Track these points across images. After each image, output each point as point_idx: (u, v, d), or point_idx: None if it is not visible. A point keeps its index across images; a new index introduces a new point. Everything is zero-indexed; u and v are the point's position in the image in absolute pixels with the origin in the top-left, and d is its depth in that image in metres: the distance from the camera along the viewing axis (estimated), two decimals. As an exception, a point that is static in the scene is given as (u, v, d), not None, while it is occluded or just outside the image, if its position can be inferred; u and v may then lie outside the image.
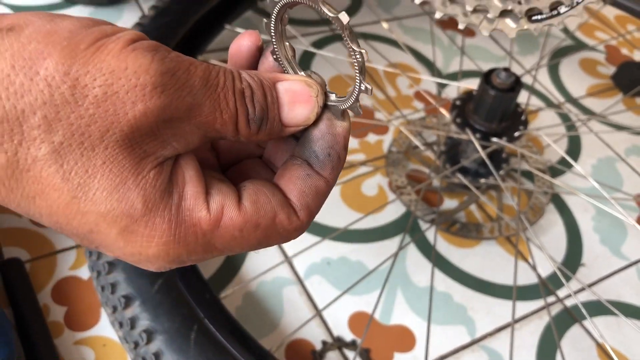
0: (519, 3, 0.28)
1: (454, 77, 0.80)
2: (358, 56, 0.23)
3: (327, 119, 0.26)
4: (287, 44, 0.26)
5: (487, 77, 0.56)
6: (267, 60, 0.27)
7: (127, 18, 0.79)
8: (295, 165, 0.27)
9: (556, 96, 0.81)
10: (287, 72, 0.27)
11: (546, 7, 0.28)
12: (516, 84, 0.56)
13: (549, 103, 0.80)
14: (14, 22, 0.22)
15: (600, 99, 0.82)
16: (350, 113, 0.26)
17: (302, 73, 0.26)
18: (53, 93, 0.21)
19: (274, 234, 0.26)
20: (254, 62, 0.27)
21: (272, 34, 0.26)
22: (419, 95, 0.76)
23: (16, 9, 0.78)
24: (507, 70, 0.56)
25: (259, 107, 0.25)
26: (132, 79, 0.21)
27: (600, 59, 0.89)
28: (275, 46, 0.26)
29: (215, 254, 0.25)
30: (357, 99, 0.25)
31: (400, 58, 0.81)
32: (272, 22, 0.26)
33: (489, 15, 0.29)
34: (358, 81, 0.24)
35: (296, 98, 0.26)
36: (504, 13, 0.29)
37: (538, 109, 0.78)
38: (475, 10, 0.29)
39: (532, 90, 0.81)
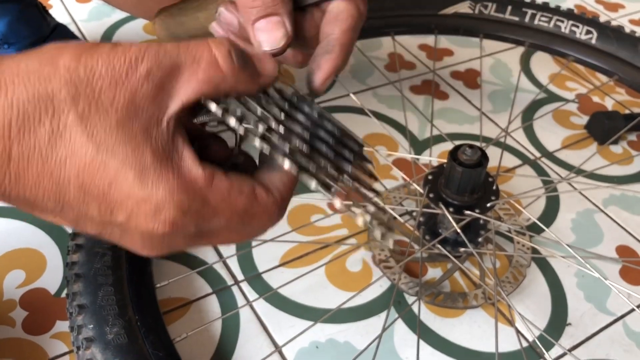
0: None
1: (429, 142, 0.82)
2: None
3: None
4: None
5: (453, 154, 0.58)
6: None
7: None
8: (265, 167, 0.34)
9: (532, 151, 0.83)
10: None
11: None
12: (483, 159, 0.58)
13: (525, 159, 0.82)
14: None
15: (575, 150, 0.84)
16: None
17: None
18: (71, 74, 0.28)
19: (256, 206, 0.32)
20: None
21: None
22: (396, 164, 0.79)
23: None
24: (472, 146, 0.58)
25: (238, 50, 0.31)
26: (122, 57, 0.29)
27: (573, 109, 0.92)
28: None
29: (209, 211, 0.31)
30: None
31: (377, 128, 0.83)
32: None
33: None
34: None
35: (263, 59, 0.33)
36: None
37: (514, 167, 0.80)
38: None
39: (507, 147, 0.83)
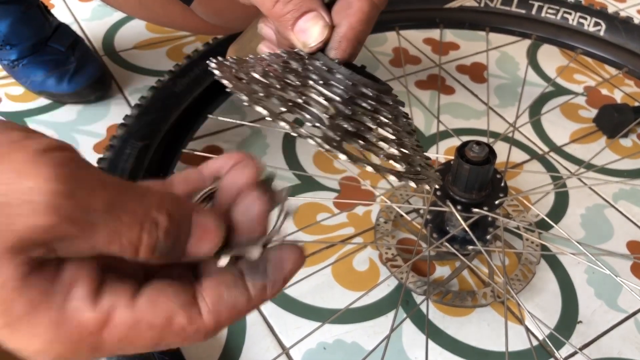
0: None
1: (435, 138, 0.81)
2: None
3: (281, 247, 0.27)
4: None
5: (460, 151, 0.57)
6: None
7: (114, 113, 0.82)
8: (228, 272, 0.27)
9: (540, 146, 0.82)
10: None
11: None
12: (490, 156, 0.57)
13: (533, 154, 0.81)
14: None
15: (584, 144, 0.83)
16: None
17: None
18: None
19: (170, 335, 0.26)
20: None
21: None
22: (403, 161, 0.78)
23: (7, 115, 0.81)
24: (479, 143, 0.57)
25: (171, 239, 0.25)
26: (27, 195, 0.22)
27: (581, 102, 0.90)
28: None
29: (106, 353, 0.25)
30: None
31: (383, 124, 0.82)
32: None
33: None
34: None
35: (205, 235, 0.26)
36: None
37: (522, 162, 0.79)
38: None
39: (515, 142, 0.82)
